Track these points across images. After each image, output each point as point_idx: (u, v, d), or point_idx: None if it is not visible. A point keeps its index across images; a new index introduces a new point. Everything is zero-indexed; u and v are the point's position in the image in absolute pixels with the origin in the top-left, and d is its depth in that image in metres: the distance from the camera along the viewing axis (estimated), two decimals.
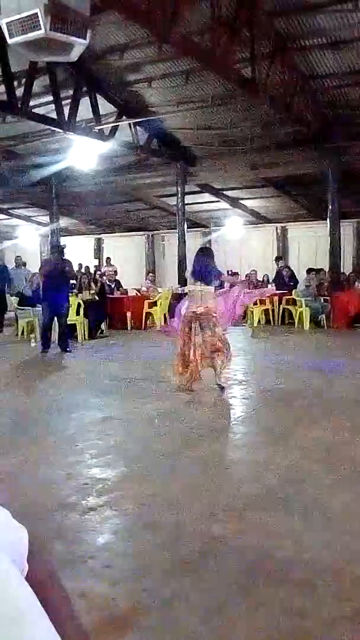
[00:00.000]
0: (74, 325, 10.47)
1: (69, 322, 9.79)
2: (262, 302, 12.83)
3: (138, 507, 3.28)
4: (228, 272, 10.59)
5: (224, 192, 16.47)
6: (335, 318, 11.87)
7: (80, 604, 2.19)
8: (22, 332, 11.01)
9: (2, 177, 15.19)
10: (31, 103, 10.03)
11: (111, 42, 9.83)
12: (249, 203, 17.18)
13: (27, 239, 20.76)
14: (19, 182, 15.17)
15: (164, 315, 12.65)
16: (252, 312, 12.61)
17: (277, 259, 15.55)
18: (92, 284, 12.29)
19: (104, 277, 13.77)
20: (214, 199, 16.70)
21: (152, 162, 14.35)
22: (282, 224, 17.71)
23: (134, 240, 20.11)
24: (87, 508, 3.25)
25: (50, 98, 10.49)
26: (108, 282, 13.44)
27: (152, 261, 19.45)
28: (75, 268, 14.23)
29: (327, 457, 4.05)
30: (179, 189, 14.32)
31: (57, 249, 10.30)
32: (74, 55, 5.45)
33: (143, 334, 11.90)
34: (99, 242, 21.14)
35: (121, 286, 14.02)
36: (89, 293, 11.78)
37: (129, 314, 12.41)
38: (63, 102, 10.49)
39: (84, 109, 10.95)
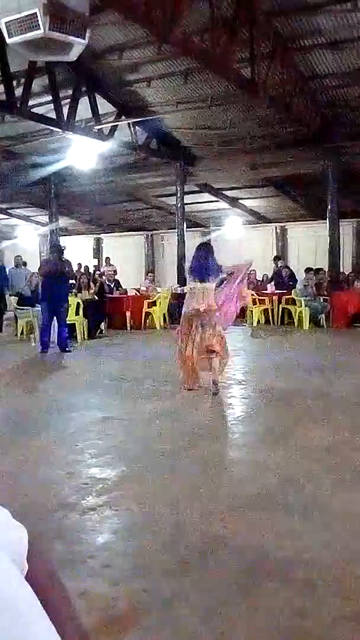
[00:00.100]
0: (74, 325, 10.47)
1: (68, 322, 9.78)
2: (262, 302, 12.84)
3: (138, 507, 3.28)
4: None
5: (224, 192, 16.47)
6: (334, 318, 11.87)
7: (80, 604, 2.19)
8: (22, 332, 11.01)
9: (2, 177, 15.18)
10: (30, 103, 10.03)
11: (110, 42, 9.83)
12: (248, 203, 17.18)
13: (26, 239, 20.76)
14: (18, 181, 15.16)
15: (164, 315, 12.66)
16: (251, 312, 12.62)
17: (276, 258, 15.56)
18: (92, 284, 12.29)
19: (104, 277, 13.76)
20: (213, 198, 16.70)
21: (152, 162, 14.35)
22: (282, 224, 17.72)
23: (134, 240, 20.11)
24: (87, 508, 3.25)
25: (50, 98, 10.49)
26: (107, 282, 13.44)
27: (152, 261, 19.45)
28: (75, 268, 14.27)
29: (327, 457, 4.05)
30: (178, 189, 14.32)
31: (57, 249, 10.29)
32: (73, 55, 5.46)
33: (142, 333, 11.90)
34: (98, 242, 21.15)
35: (120, 286, 14.01)
36: (89, 293, 11.78)
37: (128, 314, 12.41)
38: (62, 102, 10.49)
39: (83, 109, 10.95)
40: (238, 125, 12.30)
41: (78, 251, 18.77)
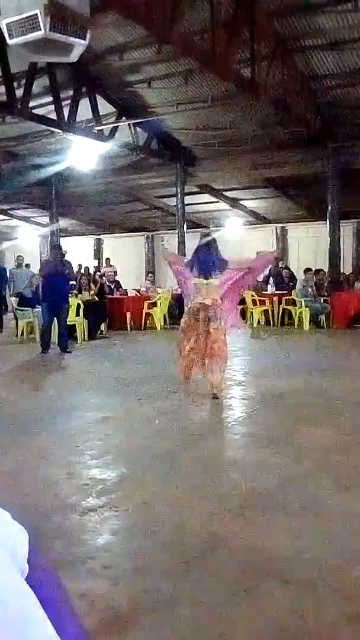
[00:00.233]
0: (74, 325, 10.47)
1: (68, 323, 9.79)
2: (262, 302, 12.84)
3: (138, 508, 3.28)
4: None
5: (224, 193, 16.48)
6: (335, 318, 11.87)
7: (80, 605, 2.19)
8: (22, 332, 11.01)
9: (2, 178, 15.19)
10: (31, 103, 10.04)
11: (111, 43, 9.84)
12: (248, 203, 17.19)
13: (27, 240, 20.77)
14: (19, 182, 15.17)
15: (164, 315, 12.66)
16: (251, 312, 12.62)
17: (276, 259, 15.54)
18: (92, 285, 12.30)
19: (104, 278, 13.77)
20: (213, 199, 16.71)
21: (152, 163, 14.36)
22: (282, 225, 17.73)
23: (134, 240, 20.12)
24: (87, 509, 3.25)
25: (50, 98, 10.50)
26: (108, 283, 13.45)
27: (152, 262, 19.46)
28: (75, 269, 14.26)
29: (327, 457, 4.05)
30: (179, 190, 14.33)
31: (58, 249, 10.30)
32: (74, 56, 5.46)
33: (143, 334, 11.90)
34: (98, 243, 21.16)
35: (121, 287, 14.01)
36: (89, 294, 11.79)
37: (128, 315, 12.41)
38: (63, 103, 10.51)
39: (84, 110, 10.96)
40: (238, 126, 12.32)
41: (78, 252, 18.79)
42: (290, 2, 8.45)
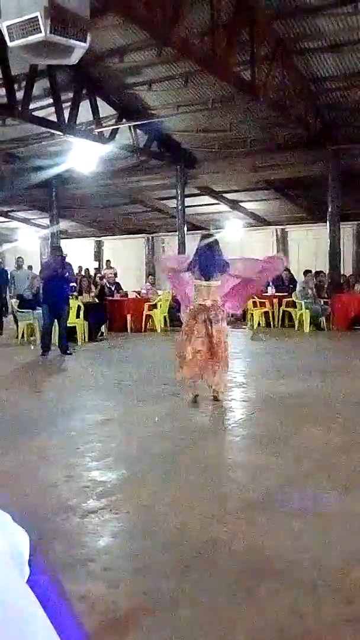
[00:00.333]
0: (74, 327, 10.47)
1: (69, 325, 9.79)
2: (262, 304, 12.84)
3: (138, 510, 3.28)
4: None
5: (224, 195, 16.49)
6: (335, 320, 11.87)
7: (80, 607, 2.19)
8: (22, 334, 11.01)
9: (2, 180, 15.21)
10: (31, 106, 10.06)
11: (111, 45, 9.86)
12: (248, 205, 17.20)
13: (27, 242, 20.79)
14: (19, 184, 15.19)
15: (165, 317, 12.66)
16: (252, 314, 12.62)
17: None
18: (92, 287, 12.31)
19: (104, 280, 13.78)
20: (213, 201, 16.72)
21: (152, 165, 14.38)
22: (282, 227, 17.73)
23: (134, 242, 20.13)
24: (87, 511, 3.25)
25: (51, 101, 10.52)
26: (108, 285, 13.46)
27: (152, 264, 19.47)
28: (75, 271, 14.27)
29: (327, 458, 4.06)
30: (179, 192, 14.34)
31: (58, 251, 10.30)
32: (74, 58, 5.47)
33: (143, 336, 11.90)
34: (99, 245, 21.18)
35: (121, 289, 14.02)
36: (89, 295, 11.79)
37: (129, 317, 12.42)
38: (63, 105, 10.53)
39: (84, 112, 10.98)
40: (238, 128, 12.34)
41: (79, 254, 18.80)
42: (290, 4, 8.47)
